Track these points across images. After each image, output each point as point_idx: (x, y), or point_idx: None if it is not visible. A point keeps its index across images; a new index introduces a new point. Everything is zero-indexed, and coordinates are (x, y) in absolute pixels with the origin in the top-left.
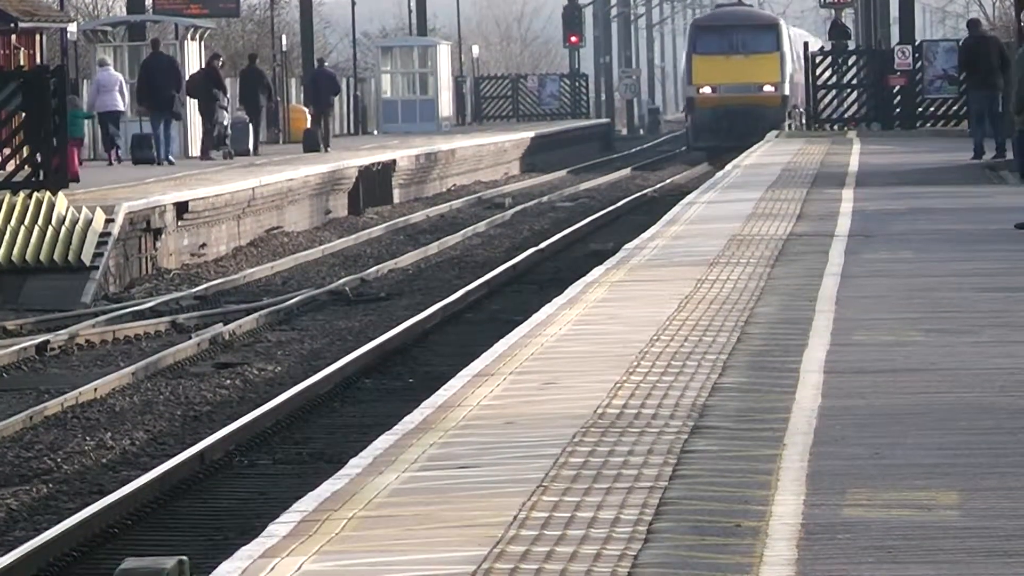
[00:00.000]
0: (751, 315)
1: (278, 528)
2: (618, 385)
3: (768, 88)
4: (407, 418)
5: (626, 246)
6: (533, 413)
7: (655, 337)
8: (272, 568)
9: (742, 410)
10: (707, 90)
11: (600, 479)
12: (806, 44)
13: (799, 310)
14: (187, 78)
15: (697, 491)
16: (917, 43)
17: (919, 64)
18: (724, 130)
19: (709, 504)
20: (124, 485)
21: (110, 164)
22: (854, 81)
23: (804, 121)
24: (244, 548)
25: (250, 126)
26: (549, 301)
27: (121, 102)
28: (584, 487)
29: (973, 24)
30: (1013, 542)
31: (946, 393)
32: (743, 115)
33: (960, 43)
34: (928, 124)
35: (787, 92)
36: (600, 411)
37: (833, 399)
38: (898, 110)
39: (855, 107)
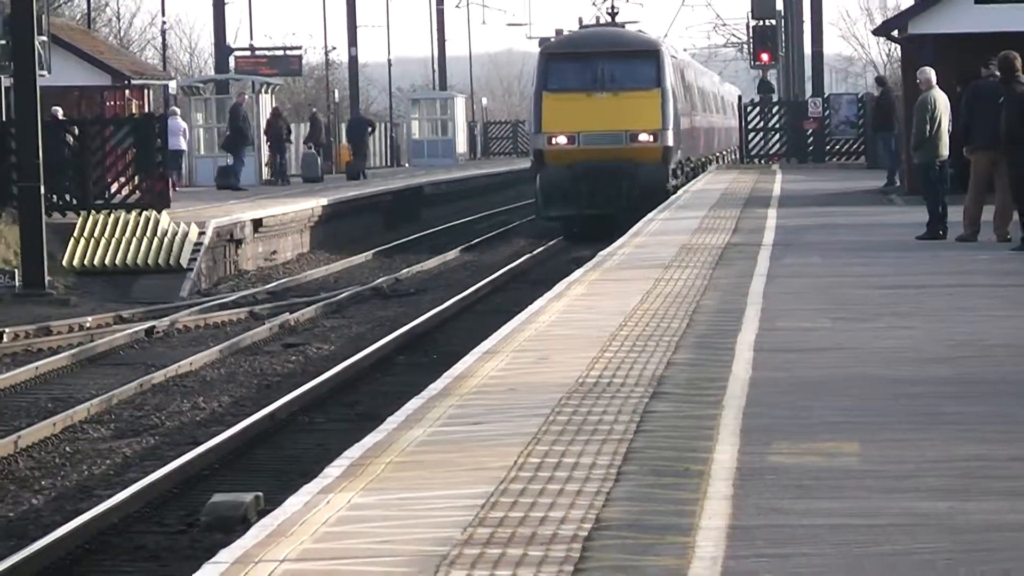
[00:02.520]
0: (697, 307)
1: (332, 470)
2: (595, 360)
3: (645, 137)
4: (431, 386)
5: (600, 253)
6: (529, 382)
7: (623, 323)
8: (328, 501)
9: (690, 380)
10: (561, 140)
11: (581, 433)
12: (739, 96)
13: (734, 303)
14: (264, 124)
15: (655, 442)
16: (826, 95)
17: (827, 112)
18: (584, 195)
19: (665, 452)
20: (212, 437)
21: (174, 190)
22: (777, 125)
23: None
24: (306, 486)
25: (318, 158)
26: (540, 296)
27: (183, 143)
28: (568, 439)
29: (881, 81)
30: (899, 481)
31: (848, 367)
32: (610, 175)
33: (871, 95)
34: (834, 159)
35: (670, 142)
36: (581, 380)
37: (761, 371)
38: (811, 148)
39: (777, 145)
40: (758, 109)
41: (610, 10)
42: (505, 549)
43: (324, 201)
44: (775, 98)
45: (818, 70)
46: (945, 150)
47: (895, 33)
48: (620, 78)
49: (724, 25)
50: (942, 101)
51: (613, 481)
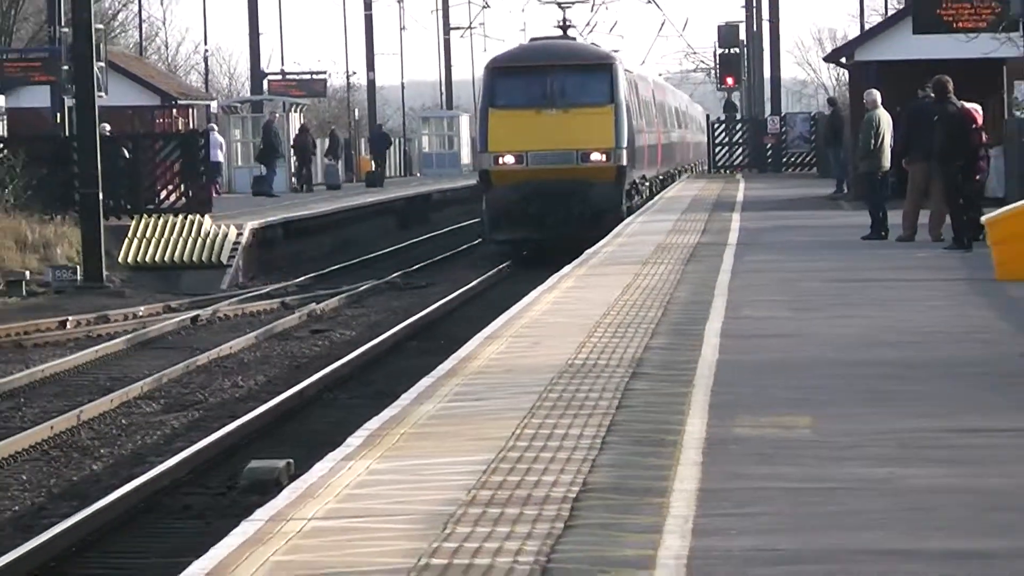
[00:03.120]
0: (671, 298)
1: (354, 440)
2: (582, 344)
3: (597, 157)
4: (440, 366)
5: (587, 251)
6: (525, 364)
7: (606, 312)
8: (349, 467)
9: (665, 362)
10: (508, 159)
11: (570, 407)
12: (707, 116)
13: (703, 295)
14: (293, 139)
15: (635, 416)
16: (783, 114)
17: (784, 129)
18: (533, 217)
19: (643, 424)
20: (249, 412)
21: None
22: (740, 140)
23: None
24: (330, 453)
25: (338, 169)
26: (534, 288)
27: (221, 155)
28: (559, 413)
29: (831, 101)
30: (847, 450)
31: (803, 351)
32: (560, 196)
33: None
34: (789, 169)
35: (624, 161)
36: (570, 362)
37: (726, 355)
38: (770, 159)
39: (741, 157)
40: (724, 126)
41: (562, 23)
42: (504, 509)
43: (343, 205)
44: (739, 116)
45: (776, 92)
46: (887, 162)
47: (843, 60)
48: (571, 94)
49: (694, 53)
50: (885, 119)
51: (598, 450)
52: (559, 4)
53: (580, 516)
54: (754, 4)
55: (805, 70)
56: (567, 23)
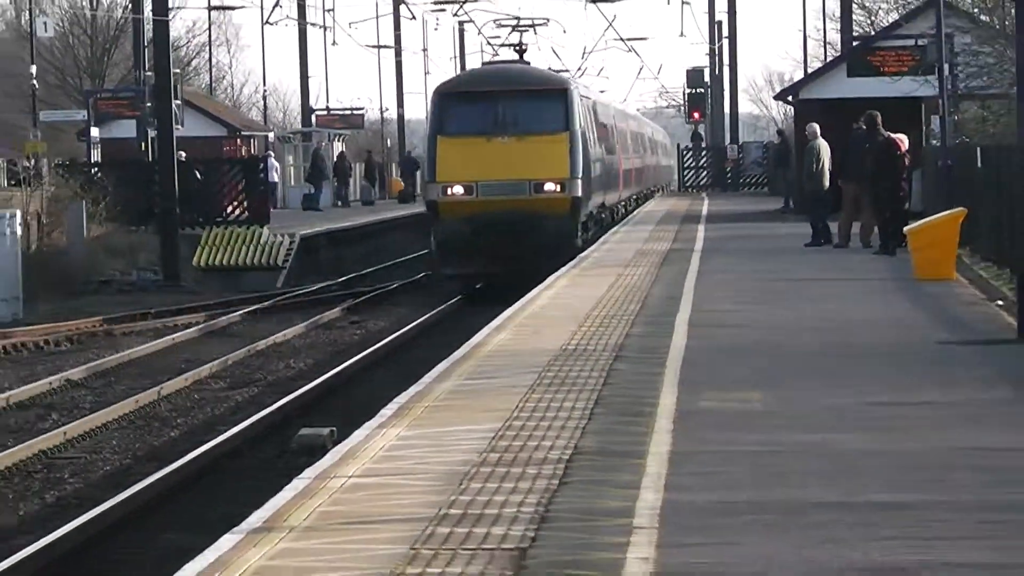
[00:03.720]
0: (647, 294)
1: (386, 411)
2: (574, 332)
3: (551, 187)
4: (455, 353)
5: (580, 255)
6: (527, 349)
7: (595, 306)
8: (383, 434)
9: (643, 347)
10: (457, 190)
11: (564, 384)
12: (679, 145)
13: (675, 292)
14: (334, 164)
15: (618, 391)
16: (740, 143)
17: (741, 155)
18: (483, 251)
19: (624, 398)
20: (299, 388)
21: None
22: (705, 164)
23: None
24: (367, 423)
25: (372, 188)
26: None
27: (276, 177)
28: (555, 389)
29: (780, 132)
30: (792, 420)
31: (756, 338)
32: (512, 229)
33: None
34: (745, 189)
35: (579, 192)
36: (564, 347)
37: (694, 341)
38: (729, 180)
39: (705, 179)
40: (691, 152)
41: (517, 46)
42: (509, 468)
43: (377, 218)
44: (704, 145)
45: (734, 124)
46: (826, 182)
47: (790, 98)
48: (523, 121)
49: (667, 92)
50: (824, 147)
51: (587, 420)
52: (515, 27)
53: (572, 474)
54: (716, 52)
55: (758, 106)
56: (523, 47)
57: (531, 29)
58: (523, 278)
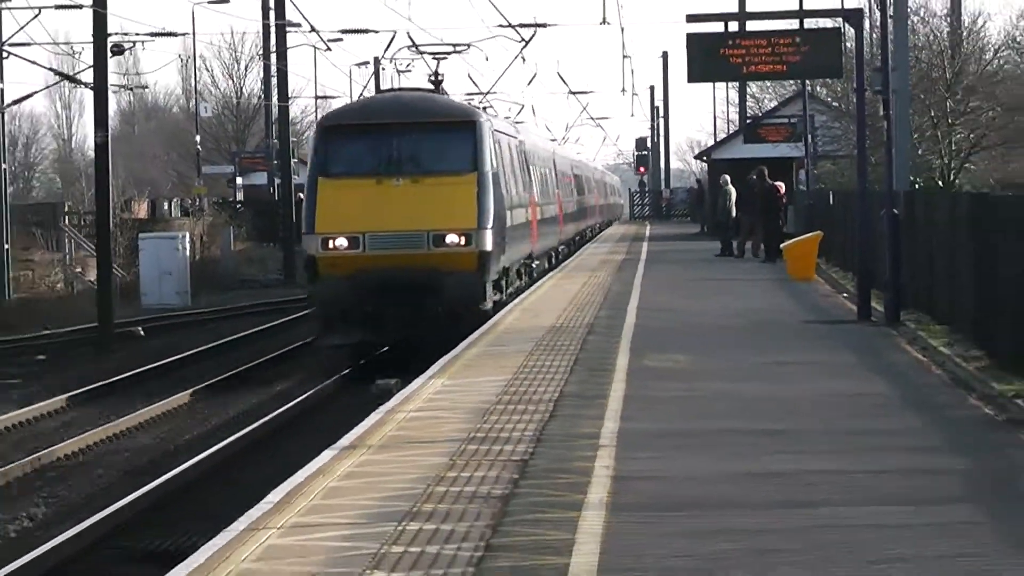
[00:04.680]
0: (609, 290)
1: (433, 369)
2: (560, 315)
3: (454, 239)
4: (478, 331)
5: (563, 264)
6: (529, 326)
7: (573, 297)
8: (430, 384)
9: (607, 325)
10: (340, 243)
11: (553, 350)
12: (630, 189)
13: (627, 287)
14: None
15: (589, 355)
16: (671, 188)
17: (671, 196)
18: (372, 317)
19: (594, 359)
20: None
21: None
22: (647, 202)
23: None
24: (419, 377)
25: None
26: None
27: None
28: (547, 354)
29: (698, 181)
30: (709, 375)
31: (684, 319)
32: (406, 290)
33: (694, 188)
34: (674, 218)
35: (489, 245)
36: (553, 325)
37: (640, 320)
38: (664, 212)
39: (647, 211)
40: (639, 194)
41: (433, 76)
42: (517, 406)
43: None
44: (646, 189)
45: (667, 175)
46: (732, 214)
47: (705, 158)
48: (422, 159)
49: (622, 153)
50: (732, 190)
51: (569, 373)
52: (433, 55)
53: (558, 411)
54: (655, 127)
55: (683, 163)
56: (439, 77)
57: (447, 57)
58: (426, 346)
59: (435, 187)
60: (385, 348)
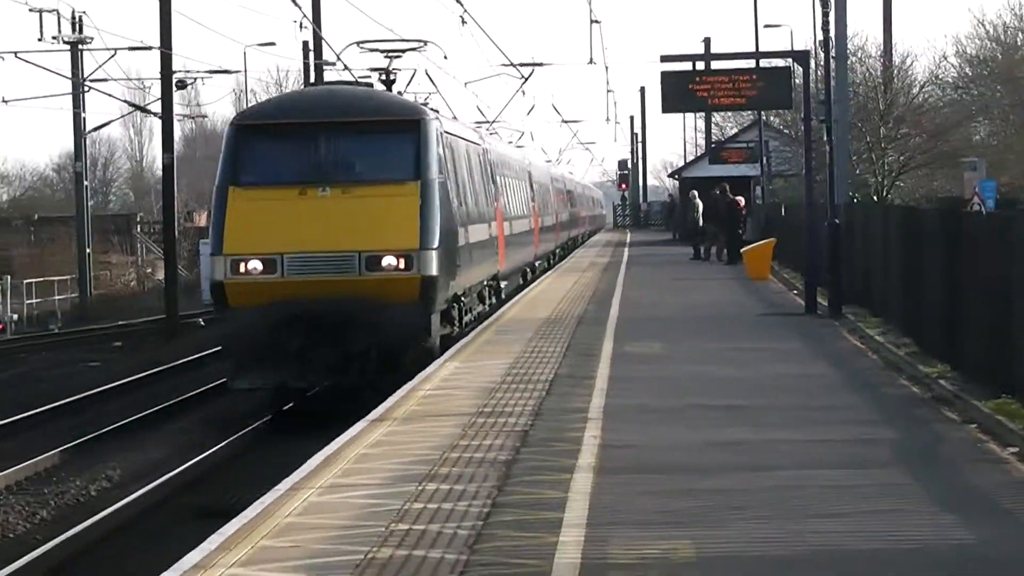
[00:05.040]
0: (596, 288)
1: (448, 354)
2: (554, 308)
3: (391, 262)
4: (487, 320)
5: (558, 266)
6: (529, 318)
7: (566, 294)
8: (445, 367)
9: (593, 317)
10: (255, 266)
11: (548, 337)
12: (613, 203)
13: (612, 285)
14: None
15: (579, 341)
16: (648, 201)
17: (648, 207)
18: (292, 355)
19: (583, 345)
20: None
21: None
22: (628, 213)
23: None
24: (436, 360)
25: None
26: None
27: None
28: (544, 341)
29: (671, 196)
30: (680, 359)
31: (659, 311)
32: (333, 323)
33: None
34: (651, 227)
35: (434, 269)
36: (548, 317)
37: (623, 312)
38: (643, 221)
39: (628, 221)
40: (620, 206)
41: (384, 74)
42: (518, 384)
43: None
44: (627, 202)
45: (644, 191)
46: (699, 224)
47: (676, 176)
48: (356, 166)
49: (606, 173)
50: (699, 203)
51: (562, 357)
52: (384, 53)
53: (553, 389)
54: (634, 150)
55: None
56: (391, 76)
57: (403, 55)
58: (360, 390)
59: (369, 199)
60: (311, 392)
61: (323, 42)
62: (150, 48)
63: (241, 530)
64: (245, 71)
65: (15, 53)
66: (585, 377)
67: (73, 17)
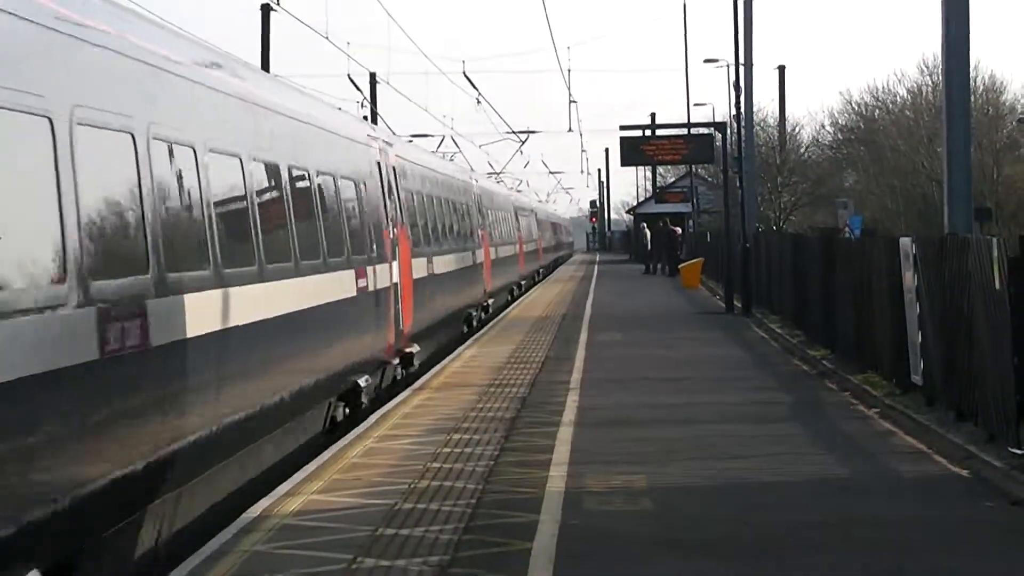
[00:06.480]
0: (574, 294)
1: (468, 343)
2: (544, 309)
3: None
4: (495, 319)
5: (548, 276)
6: (526, 316)
7: (553, 297)
8: (466, 352)
9: (573, 315)
10: None
11: (540, 331)
12: (585, 231)
13: (585, 292)
14: None
15: (563, 332)
16: (612, 231)
17: (612, 235)
18: None
19: (566, 335)
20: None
21: None
22: (596, 240)
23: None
24: (456, 350)
25: None
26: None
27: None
28: (538, 332)
29: (627, 227)
30: (637, 344)
31: (621, 311)
32: None
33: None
34: (614, 250)
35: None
36: (540, 316)
37: (594, 312)
38: (608, 246)
39: (597, 245)
40: (591, 235)
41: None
42: (519, 364)
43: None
44: (596, 231)
45: (609, 223)
46: (649, 248)
47: (632, 212)
48: None
49: (581, 210)
50: (648, 232)
51: (551, 345)
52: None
53: (545, 367)
54: (600, 192)
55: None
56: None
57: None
58: None
59: None
60: None
61: (379, 117)
62: None
63: (319, 468)
64: None
65: None
66: (567, 358)
67: None
